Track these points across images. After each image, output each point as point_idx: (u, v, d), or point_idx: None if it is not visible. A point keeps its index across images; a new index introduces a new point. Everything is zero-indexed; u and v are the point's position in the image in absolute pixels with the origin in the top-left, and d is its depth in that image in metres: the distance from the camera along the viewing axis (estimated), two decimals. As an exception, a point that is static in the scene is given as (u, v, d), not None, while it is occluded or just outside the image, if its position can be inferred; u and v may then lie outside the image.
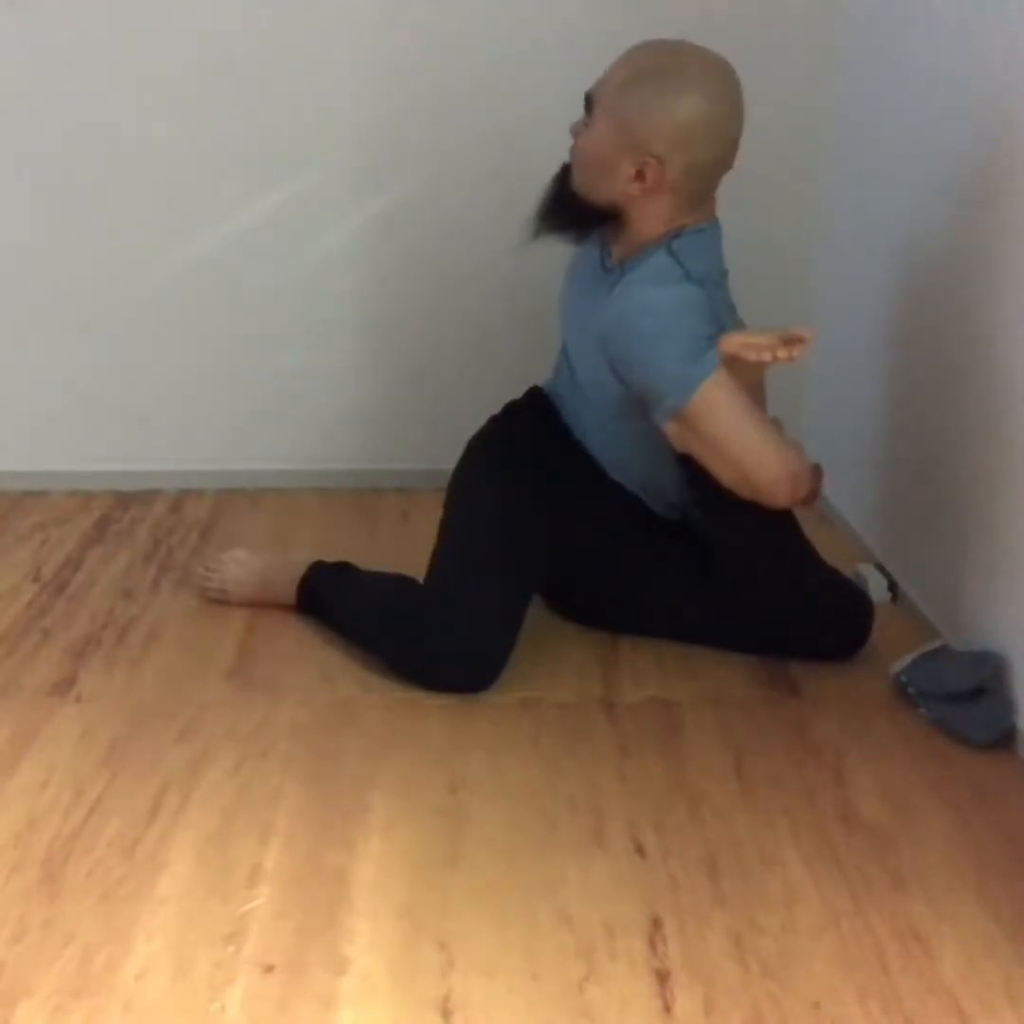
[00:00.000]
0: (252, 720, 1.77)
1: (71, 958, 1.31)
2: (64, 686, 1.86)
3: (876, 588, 2.12)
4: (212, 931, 1.35)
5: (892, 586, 2.14)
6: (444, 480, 2.01)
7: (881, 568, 2.18)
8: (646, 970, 1.30)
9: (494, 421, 2.02)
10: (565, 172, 1.82)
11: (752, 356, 1.65)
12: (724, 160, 1.74)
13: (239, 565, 2.12)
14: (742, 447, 1.68)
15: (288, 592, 2.07)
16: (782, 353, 1.64)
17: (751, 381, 1.73)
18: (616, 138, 1.71)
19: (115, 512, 2.54)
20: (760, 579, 1.88)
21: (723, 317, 1.76)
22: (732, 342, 1.66)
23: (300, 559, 2.10)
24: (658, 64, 1.69)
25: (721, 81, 1.69)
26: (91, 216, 2.49)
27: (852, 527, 2.39)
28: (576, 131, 1.79)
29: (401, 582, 1.97)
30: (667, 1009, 1.25)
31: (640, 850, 1.49)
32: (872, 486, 2.31)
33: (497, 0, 2.39)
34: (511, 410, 2.02)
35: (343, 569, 2.06)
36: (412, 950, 1.33)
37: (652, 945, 1.34)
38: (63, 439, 2.64)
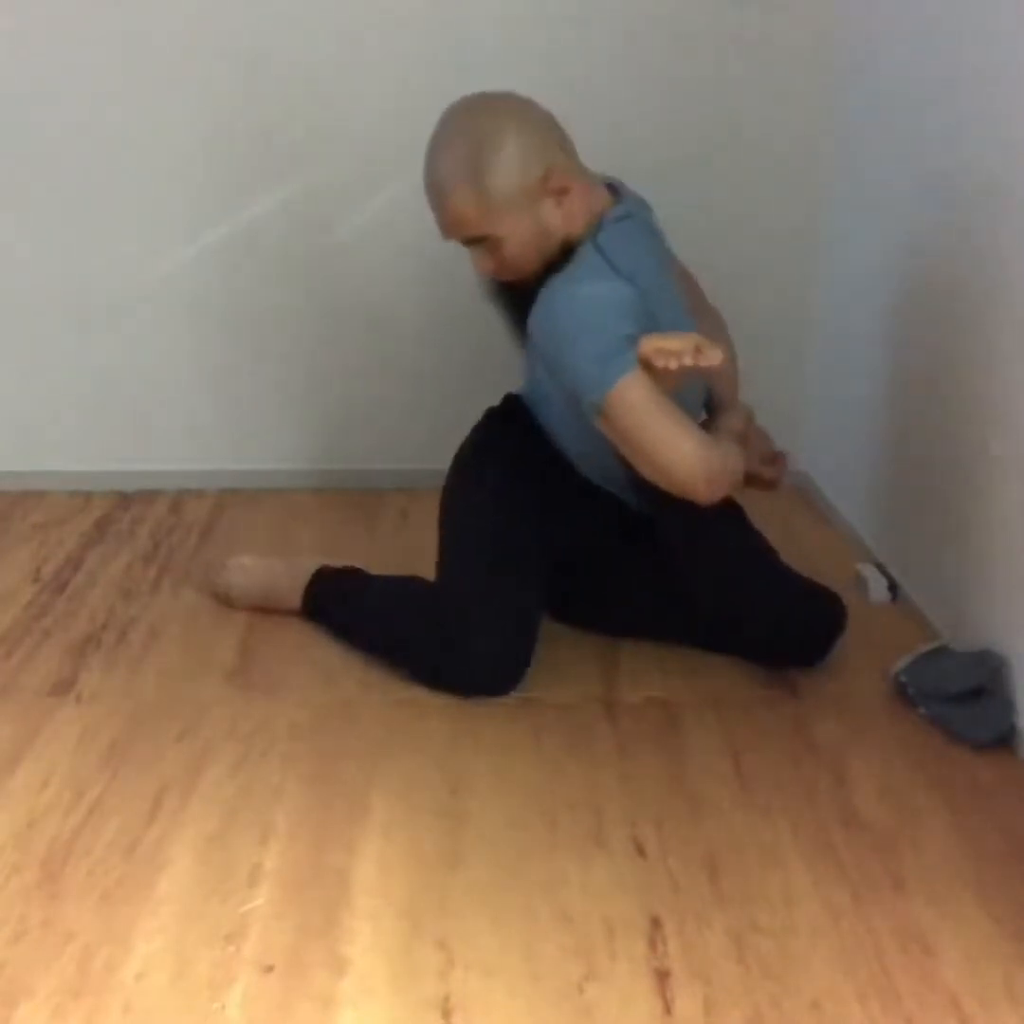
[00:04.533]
0: (252, 720, 1.77)
1: (71, 958, 1.31)
2: (64, 686, 1.86)
3: (876, 588, 2.12)
4: (212, 931, 1.35)
5: (892, 586, 2.14)
6: (443, 480, 2.00)
7: (881, 568, 2.18)
8: (646, 970, 1.30)
9: (475, 431, 2.00)
10: (501, 286, 1.79)
11: (660, 363, 1.63)
12: (559, 135, 1.73)
13: (244, 572, 2.11)
14: (657, 445, 1.66)
15: (293, 599, 2.06)
16: (688, 361, 1.61)
17: (674, 384, 1.69)
18: (520, 207, 1.68)
19: (115, 512, 2.54)
20: (707, 577, 1.87)
21: (658, 309, 1.72)
22: (646, 346, 1.65)
23: (305, 566, 2.08)
24: (468, 146, 1.68)
25: (505, 98, 1.71)
26: (91, 215, 2.49)
27: (852, 527, 2.39)
28: (483, 264, 1.75)
29: (412, 587, 1.95)
30: (667, 1009, 1.25)
31: (640, 850, 1.49)
32: (872, 486, 2.31)
33: (496, 1, 2.40)
34: (490, 417, 2.01)
35: (348, 576, 2.04)
36: (412, 950, 1.33)
37: (652, 945, 1.34)
38: (63, 439, 2.65)
